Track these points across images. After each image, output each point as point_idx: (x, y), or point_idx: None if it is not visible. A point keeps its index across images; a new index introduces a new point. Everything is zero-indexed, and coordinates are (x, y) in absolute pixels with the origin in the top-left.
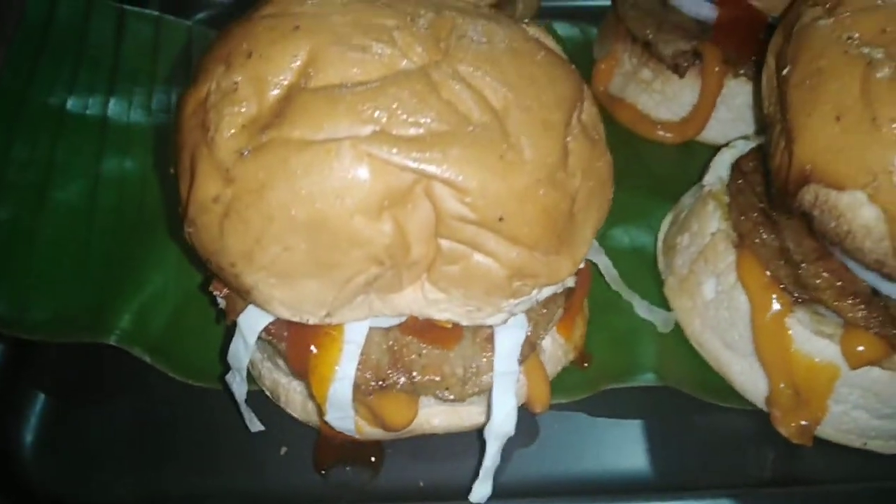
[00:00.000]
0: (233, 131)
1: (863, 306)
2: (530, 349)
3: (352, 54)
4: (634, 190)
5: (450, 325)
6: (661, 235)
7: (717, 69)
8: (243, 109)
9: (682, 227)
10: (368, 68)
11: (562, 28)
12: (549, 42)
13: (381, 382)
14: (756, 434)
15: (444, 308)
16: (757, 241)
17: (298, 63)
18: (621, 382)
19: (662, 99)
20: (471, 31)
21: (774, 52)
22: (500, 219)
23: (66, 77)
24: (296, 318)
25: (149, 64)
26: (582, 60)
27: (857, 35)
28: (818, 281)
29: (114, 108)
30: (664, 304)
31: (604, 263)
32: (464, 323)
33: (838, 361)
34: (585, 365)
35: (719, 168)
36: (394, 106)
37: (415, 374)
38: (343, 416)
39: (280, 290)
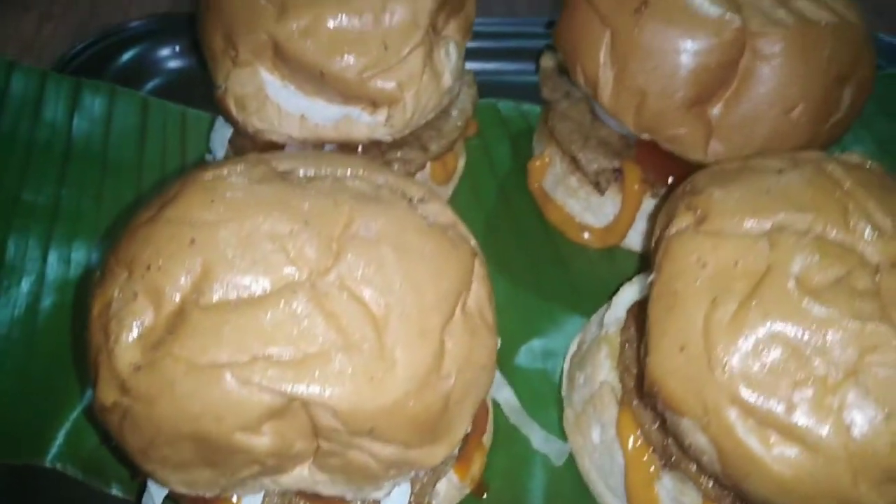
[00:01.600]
0: (130, 342)
1: (718, 484)
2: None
3: (241, 271)
4: (553, 298)
5: None
6: (567, 357)
7: (636, 187)
8: (141, 321)
9: (581, 362)
10: (257, 285)
11: (506, 108)
12: (446, 214)
13: None
14: None
15: (329, 487)
16: (634, 402)
17: (192, 277)
18: None
19: (588, 206)
20: (363, 228)
21: (658, 227)
22: (371, 430)
23: (18, 161)
24: (192, 494)
25: (102, 138)
26: (523, 147)
27: (710, 265)
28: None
29: (65, 196)
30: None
31: (505, 398)
32: (349, 498)
33: None
34: (484, 496)
35: (618, 308)
36: (274, 329)
37: None
38: None
39: (175, 476)
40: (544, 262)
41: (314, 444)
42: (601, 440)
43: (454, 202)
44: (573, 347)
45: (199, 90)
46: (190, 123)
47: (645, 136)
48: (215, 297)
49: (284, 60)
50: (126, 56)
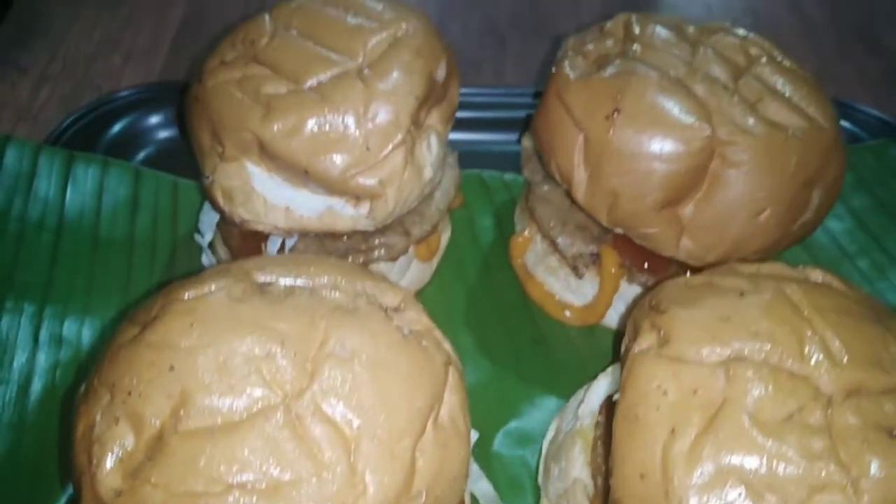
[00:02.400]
0: (111, 467)
1: None
2: None
3: (218, 396)
4: (532, 378)
5: None
6: (545, 444)
7: (613, 272)
8: (122, 446)
9: (556, 453)
10: (234, 410)
11: (491, 179)
12: (422, 321)
13: None
14: None
15: None
16: None
17: (171, 403)
18: None
19: (568, 285)
20: (338, 346)
21: (627, 336)
22: None
23: (11, 239)
24: None
25: (94, 212)
26: (507, 219)
27: (671, 393)
28: None
29: (57, 274)
30: None
31: (482, 491)
32: None
33: None
34: None
35: (592, 401)
36: (248, 456)
37: None
38: None
39: None
40: (525, 340)
41: None
42: None
43: (438, 275)
44: (550, 433)
45: (191, 159)
46: (182, 193)
47: (619, 231)
48: (193, 424)
49: (270, 157)
50: (118, 126)
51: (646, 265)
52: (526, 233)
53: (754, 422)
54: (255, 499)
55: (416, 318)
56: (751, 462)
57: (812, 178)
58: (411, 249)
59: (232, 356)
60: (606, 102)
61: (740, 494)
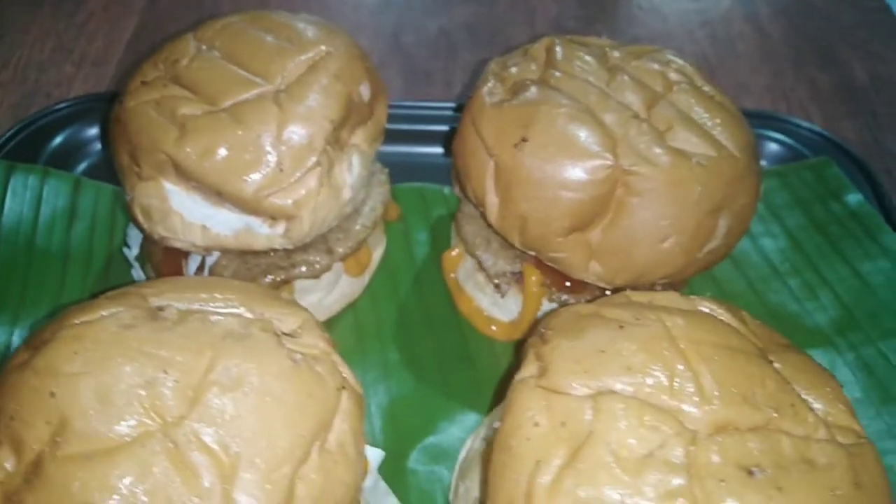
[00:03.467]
0: None
1: None
2: None
3: (97, 423)
4: (455, 394)
5: None
6: (458, 462)
7: (535, 290)
8: (3, 468)
9: (464, 472)
10: (111, 437)
11: (430, 193)
12: (319, 346)
13: None
14: None
15: None
16: None
17: (50, 429)
18: None
19: (494, 301)
20: (223, 374)
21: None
22: None
23: None
24: None
25: (32, 222)
26: (443, 234)
27: (542, 424)
28: None
29: None
30: None
31: None
32: None
33: None
34: None
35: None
36: (122, 483)
37: None
38: None
39: None
40: (451, 355)
41: None
42: None
43: (370, 289)
44: (463, 452)
45: None
46: (122, 203)
47: (532, 253)
48: (70, 450)
49: (185, 177)
50: (61, 136)
51: (567, 284)
52: (458, 249)
53: (615, 457)
54: None
55: (313, 343)
56: (608, 497)
57: (718, 206)
58: (339, 265)
59: (114, 383)
60: (515, 131)
61: None
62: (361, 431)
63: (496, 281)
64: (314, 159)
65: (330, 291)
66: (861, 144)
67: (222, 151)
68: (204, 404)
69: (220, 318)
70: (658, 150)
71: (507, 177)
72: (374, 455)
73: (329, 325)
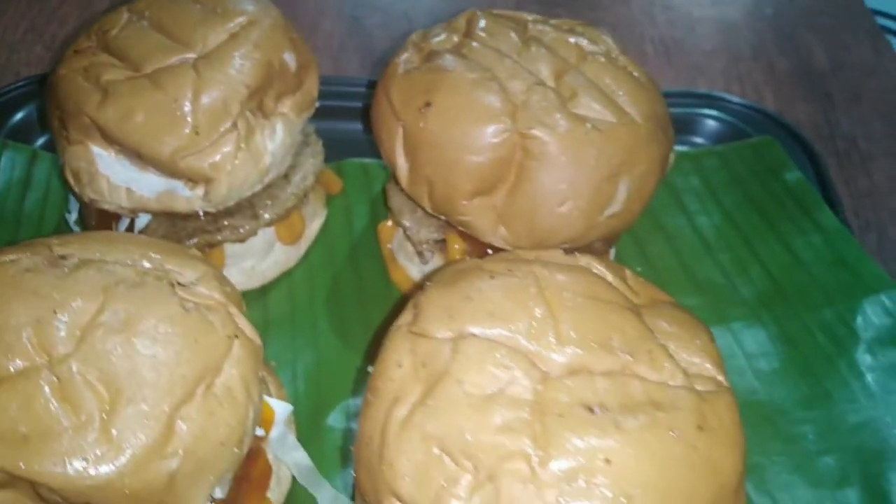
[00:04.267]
0: None
1: None
2: None
3: None
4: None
5: None
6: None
7: (457, 258)
8: None
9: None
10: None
11: (373, 168)
12: (215, 297)
13: None
14: None
15: None
16: None
17: None
18: None
19: (422, 270)
20: (111, 316)
21: None
22: (89, 502)
23: None
24: None
25: None
26: (382, 207)
27: (405, 365)
28: None
29: None
30: None
31: (295, 461)
32: None
33: None
34: None
35: None
36: (5, 411)
37: None
38: None
39: None
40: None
41: None
42: None
43: (307, 259)
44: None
45: None
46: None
47: (443, 218)
48: None
49: (109, 141)
50: (21, 112)
51: (488, 251)
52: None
53: (465, 394)
54: (6, 448)
55: (208, 294)
56: (453, 430)
57: (616, 171)
58: (272, 232)
59: (5, 320)
60: (420, 96)
61: (440, 461)
62: (255, 380)
63: (420, 249)
64: (230, 123)
65: (263, 259)
66: (814, 127)
67: (141, 114)
68: (90, 343)
69: (117, 267)
70: (557, 116)
71: (413, 141)
72: (282, 408)
73: (263, 292)
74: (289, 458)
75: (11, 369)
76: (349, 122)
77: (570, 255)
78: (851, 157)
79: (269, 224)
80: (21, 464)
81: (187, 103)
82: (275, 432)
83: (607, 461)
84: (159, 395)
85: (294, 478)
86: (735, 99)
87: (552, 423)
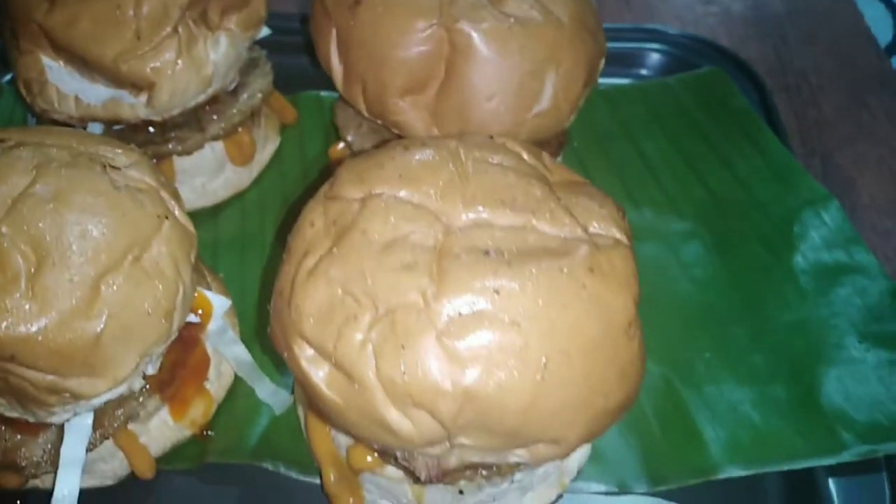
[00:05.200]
0: None
1: None
2: (103, 438)
3: None
4: None
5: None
6: None
7: None
8: None
9: None
10: None
11: (329, 99)
12: (146, 182)
13: None
14: None
15: (7, 409)
16: None
17: None
18: (225, 458)
19: None
20: (41, 189)
21: None
22: (12, 356)
23: None
24: None
25: None
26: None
27: (317, 224)
28: None
29: None
30: None
31: (234, 354)
32: (30, 419)
33: None
34: (205, 437)
35: None
36: None
37: None
38: None
39: None
40: None
41: None
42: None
43: (259, 182)
44: None
45: None
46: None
47: (379, 122)
48: None
49: (57, 49)
50: None
51: None
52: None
53: (368, 241)
54: None
55: (140, 178)
56: (355, 273)
57: (541, 68)
58: (223, 151)
59: None
60: None
61: (341, 301)
62: (186, 261)
63: None
64: (170, 28)
65: (214, 177)
66: (766, 63)
67: (86, 20)
68: (19, 211)
69: (52, 149)
70: (484, 13)
71: (345, 40)
72: (220, 302)
73: (215, 211)
74: (228, 351)
75: None
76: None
77: (494, 139)
78: (802, 90)
79: (215, 138)
80: None
81: (130, 9)
82: (213, 325)
83: (496, 292)
84: (85, 260)
85: (236, 376)
86: (682, 33)
87: (448, 264)
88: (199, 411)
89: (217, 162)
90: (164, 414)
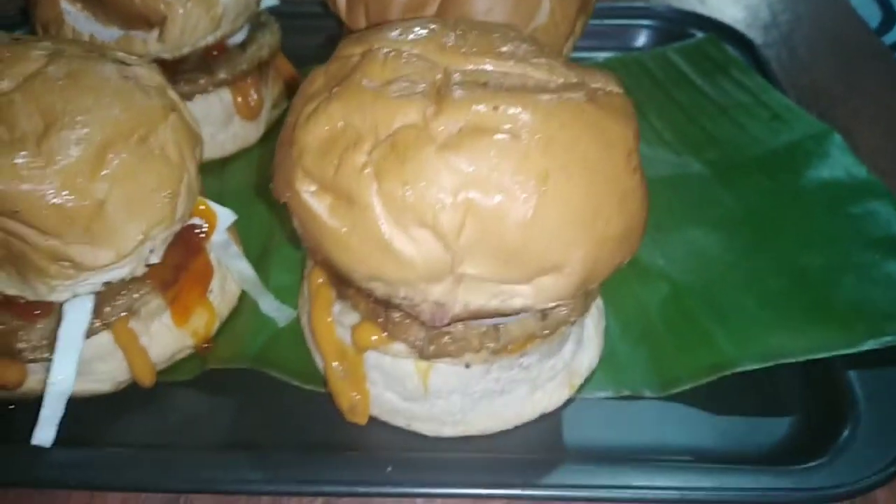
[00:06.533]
0: None
1: (370, 304)
2: (103, 327)
3: None
4: None
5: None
6: None
7: None
8: None
9: None
10: None
11: None
12: (154, 79)
13: None
14: None
15: (7, 284)
16: None
17: None
18: (226, 364)
19: None
20: (53, 70)
21: None
22: (16, 212)
23: None
24: None
25: None
26: None
27: (317, 82)
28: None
29: None
30: None
31: (238, 269)
32: (29, 297)
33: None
34: (207, 346)
35: None
36: None
37: None
38: None
39: None
40: None
41: None
42: (307, 293)
43: (267, 139)
44: None
45: None
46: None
47: None
48: None
49: None
50: None
51: None
52: None
53: (368, 79)
54: None
55: (149, 77)
56: (351, 107)
57: None
58: (231, 104)
59: None
60: None
61: (342, 130)
62: (191, 154)
63: None
64: None
65: (222, 129)
66: (756, 37)
67: None
68: (31, 84)
69: (66, 45)
70: None
71: None
72: (225, 214)
73: (223, 164)
74: (232, 265)
75: None
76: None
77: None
78: (794, 61)
79: (224, 83)
80: None
81: None
82: (217, 237)
83: (495, 108)
84: (93, 129)
85: (240, 299)
86: (669, 7)
87: (448, 91)
88: (201, 321)
89: (226, 113)
90: (167, 319)
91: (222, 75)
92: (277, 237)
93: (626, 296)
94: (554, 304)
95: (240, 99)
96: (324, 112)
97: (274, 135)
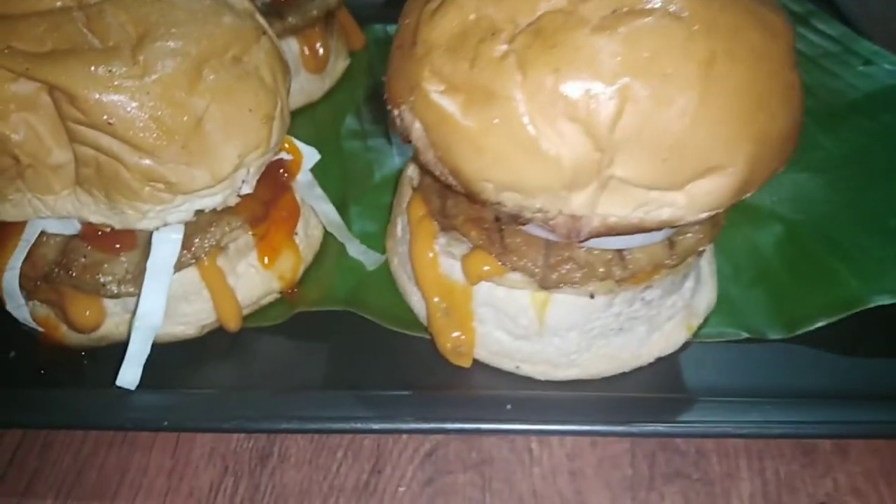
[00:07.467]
0: None
1: (483, 231)
2: (192, 260)
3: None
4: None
5: (111, 230)
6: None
7: None
8: None
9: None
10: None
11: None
12: (244, 4)
13: (44, 276)
14: None
15: (94, 210)
16: (425, 181)
17: None
18: (314, 306)
19: None
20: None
21: None
22: (109, 123)
23: None
24: None
25: None
26: None
27: None
28: (455, 210)
29: None
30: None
31: (323, 210)
32: (116, 226)
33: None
34: (293, 291)
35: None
36: (28, 29)
37: (73, 272)
38: (16, 305)
39: None
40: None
41: (71, 153)
42: (402, 231)
43: (331, 96)
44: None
45: None
46: None
47: None
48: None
49: None
50: None
51: None
52: None
53: None
54: (31, 60)
55: (241, 4)
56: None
57: None
58: (297, 55)
59: None
60: None
61: (475, 21)
62: (284, 81)
63: None
64: None
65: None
66: None
67: None
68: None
69: None
70: None
71: None
72: (310, 153)
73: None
74: (318, 206)
75: (47, 9)
76: None
77: None
78: None
79: (293, 29)
80: (44, 73)
81: None
82: (302, 176)
83: None
84: (188, 41)
85: (323, 244)
86: None
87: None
88: (287, 264)
89: (292, 64)
90: (254, 260)
91: (292, 20)
92: (353, 190)
93: (737, 237)
94: (706, 214)
95: (307, 50)
96: (452, 5)
97: (337, 92)
